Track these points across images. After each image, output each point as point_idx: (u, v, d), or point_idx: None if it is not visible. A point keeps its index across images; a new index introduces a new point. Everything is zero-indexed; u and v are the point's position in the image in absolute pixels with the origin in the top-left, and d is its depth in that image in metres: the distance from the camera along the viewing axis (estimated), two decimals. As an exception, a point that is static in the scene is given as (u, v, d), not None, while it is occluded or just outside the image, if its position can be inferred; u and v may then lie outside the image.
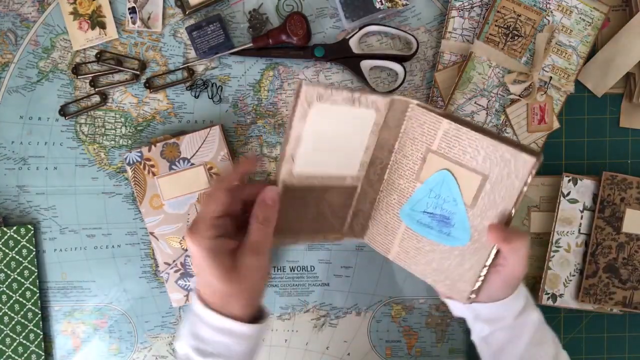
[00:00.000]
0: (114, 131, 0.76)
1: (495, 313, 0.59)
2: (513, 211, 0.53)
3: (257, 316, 0.53)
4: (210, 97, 0.76)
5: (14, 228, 0.75)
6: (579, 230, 0.74)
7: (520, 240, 0.53)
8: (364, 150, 0.58)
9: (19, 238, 0.75)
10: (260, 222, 0.51)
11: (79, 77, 0.75)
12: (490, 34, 0.71)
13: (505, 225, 0.54)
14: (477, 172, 0.54)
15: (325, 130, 0.53)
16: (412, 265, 0.60)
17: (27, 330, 0.76)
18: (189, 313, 0.53)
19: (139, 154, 0.74)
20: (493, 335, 0.60)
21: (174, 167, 0.74)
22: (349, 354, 0.79)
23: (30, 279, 0.76)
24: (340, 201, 0.59)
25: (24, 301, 0.76)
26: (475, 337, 0.63)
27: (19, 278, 0.75)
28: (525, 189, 0.52)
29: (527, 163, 0.51)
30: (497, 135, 0.54)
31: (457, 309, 0.63)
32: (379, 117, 0.57)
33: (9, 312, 0.75)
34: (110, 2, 0.74)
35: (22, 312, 0.76)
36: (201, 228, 0.49)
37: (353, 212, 0.60)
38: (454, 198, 0.56)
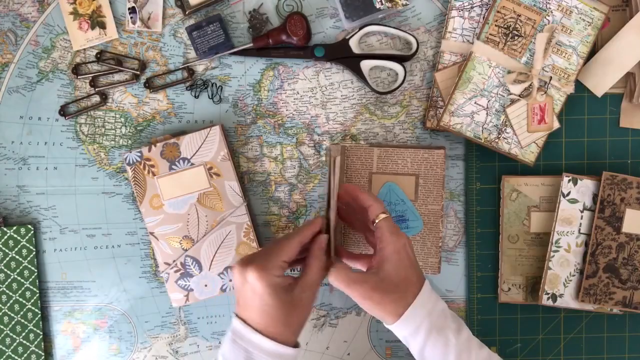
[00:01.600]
0: (114, 131, 0.76)
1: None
2: (443, 192, 0.74)
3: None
4: (210, 97, 0.76)
5: (14, 228, 0.75)
6: (579, 230, 0.74)
7: (339, 286, 0.59)
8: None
9: (19, 238, 0.75)
10: (317, 260, 0.58)
11: (79, 77, 0.75)
12: (490, 34, 0.71)
13: (384, 217, 0.61)
14: (410, 174, 0.74)
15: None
16: None
17: (27, 330, 0.76)
18: (240, 343, 0.56)
19: (139, 154, 0.74)
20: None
21: (174, 167, 0.74)
22: (349, 354, 0.79)
23: (30, 279, 0.76)
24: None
25: (24, 301, 0.76)
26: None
27: (19, 278, 0.75)
28: (444, 172, 0.74)
29: (440, 155, 0.74)
30: (412, 145, 0.76)
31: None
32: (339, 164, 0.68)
33: (9, 312, 0.75)
34: (110, 2, 0.74)
35: (22, 312, 0.76)
36: (271, 267, 0.56)
37: (333, 246, 0.63)
38: (402, 199, 0.75)
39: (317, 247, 0.59)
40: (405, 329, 0.58)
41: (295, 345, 0.58)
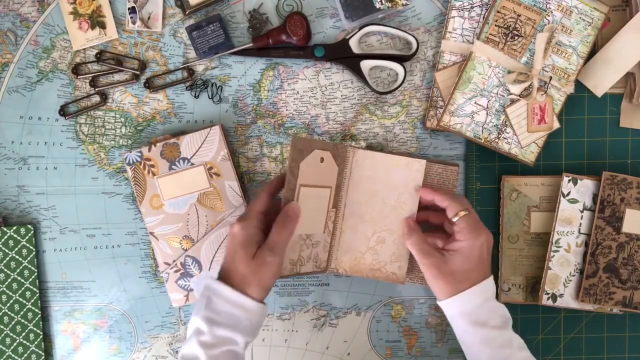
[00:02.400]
0: (114, 131, 0.76)
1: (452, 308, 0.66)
2: None
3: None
4: (210, 97, 0.76)
5: (14, 228, 0.75)
6: (579, 230, 0.74)
7: (404, 234, 0.71)
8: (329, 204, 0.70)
9: (19, 238, 0.75)
10: (280, 227, 0.62)
11: (79, 77, 0.75)
12: (490, 34, 0.71)
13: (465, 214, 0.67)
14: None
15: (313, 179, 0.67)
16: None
17: (27, 330, 0.76)
18: (205, 292, 0.62)
19: (139, 154, 0.74)
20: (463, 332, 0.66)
21: (174, 167, 0.74)
22: (349, 354, 0.79)
23: (30, 279, 0.76)
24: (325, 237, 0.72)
25: (24, 301, 0.76)
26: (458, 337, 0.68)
27: (19, 278, 0.75)
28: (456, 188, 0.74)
29: (453, 171, 0.74)
30: (429, 159, 0.73)
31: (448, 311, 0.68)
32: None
33: (9, 312, 0.75)
34: (110, 2, 0.74)
35: (22, 312, 0.76)
36: (250, 217, 0.64)
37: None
38: None
39: (283, 212, 0.63)
40: (448, 310, 0.65)
41: (260, 302, 0.62)
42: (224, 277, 0.62)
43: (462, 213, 0.65)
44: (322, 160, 0.66)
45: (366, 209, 0.72)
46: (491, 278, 0.66)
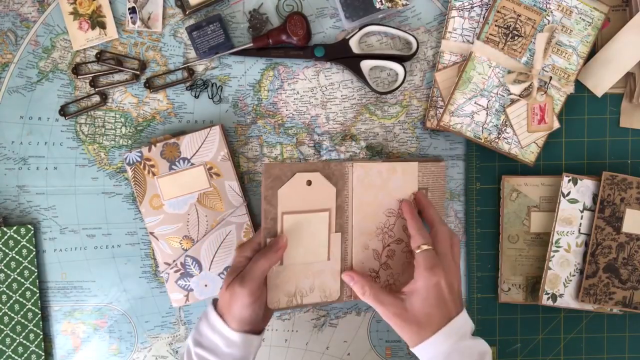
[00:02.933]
0: (114, 131, 0.76)
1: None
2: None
3: (252, 333, 0.63)
4: (210, 97, 0.76)
5: (14, 228, 0.75)
6: (579, 230, 0.74)
7: (356, 291, 0.66)
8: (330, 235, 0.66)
9: (19, 238, 0.75)
10: (258, 258, 0.61)
11: (79, 77, 0.75)
12: (490, 34, 0.71)
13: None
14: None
15: (297, 205, 0.63)
16: None
17: (27, 330, 0.76)
18: (203, 313, 0.64)
19: (139, 154, 0.74)
20: None
21: (174, 167, 0.74)
22: (349, 354, 0.79)
23: (30, 279, 0.76)
24: (325, 267, 0.66)
25: (24, 301, 0.76)
26: None
27: (19, 278, 0.75)
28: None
29: (441, 167, 0.72)
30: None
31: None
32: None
33: (9, 312, 0.75)
34: (110, 2, 0.74)
35: (22, 312, 0.76)
36: (244, 245, 0.65)
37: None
38: None
39: (266, 246, 0.62)
40: (421, 357, 0.61)
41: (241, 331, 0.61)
42: (217, 305, 0.63)
43: (424, 247, 0.61)
44: (309, 183, 0.63)
45: (373, 224, 0.68)
46: (462, 314, 0.61)
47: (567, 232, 0.74)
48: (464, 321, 0.61)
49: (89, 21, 0.74)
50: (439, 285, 0.60)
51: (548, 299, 0.75)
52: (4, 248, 0.75)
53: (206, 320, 0.63)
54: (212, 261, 0.75)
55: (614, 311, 0.76)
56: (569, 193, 0.74)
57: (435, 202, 0.71)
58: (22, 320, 0.76)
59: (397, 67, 0.74)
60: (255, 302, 0.61)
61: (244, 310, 0.60)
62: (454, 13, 0.73)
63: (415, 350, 0.60)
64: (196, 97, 0.76)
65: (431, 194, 0.71)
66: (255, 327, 0.63)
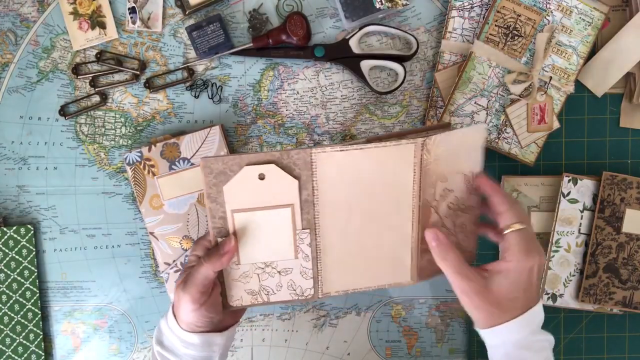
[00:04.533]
0: (114, 131, 0.76)
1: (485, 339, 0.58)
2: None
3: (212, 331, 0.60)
4: (210, 97, 0.76)
5: (14, 228, 0.75)
6: (579, 230, 0.74)
7: (435, 255, 0.58)
8: (294, 232, 0.59)
9: (19, 238, 0.75)
10: (203, 261, 0.57)
11: (79, 77, 0.75)
12: (490, 34, 0.71)
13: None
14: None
15: (247, 202, 0.57)
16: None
17: (27, 330, 0.76)
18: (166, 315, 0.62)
19: (139, 154, 0.74)
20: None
21: (174, 167, 0.74)
22: (349, 354, 0.79)
23: (30, 279, 0.76)
24: (290, 263, 0.61)
25: (24, 301, 0.76)
26: None
27: (19, 278, 0.75)
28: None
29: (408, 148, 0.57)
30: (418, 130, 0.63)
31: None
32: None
33: (9, 312, 0.75)
34: (110, 2, 0.74)
35: (22, 312, 0.76)
36: (194, 246, 0.63)
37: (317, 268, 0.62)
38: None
39: (211, 249, 0.59)
40: (488, 339, 0.57)
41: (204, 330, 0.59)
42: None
43: (517, 226, 0.56)
44: (262, 176, 0.56)
45: (354, 217, 0.60)
46: (539, 305, 0.57)
47: (567, 232, 0.74)
48: (540, 311, 0.57)
49: (89, 21, 0.74)
50: (532, 270, 0.55)
51: (548, 299, 0.75)
52: (4, 248, 0.75)
53: (165, 319, 0.61)
54: (212, 261, 0.75)
55: (614, 311, 0.76)
56: (569, 193, 0.74)
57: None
58: (22, 320, 0.76)
59: (397, 67, 0.74)
60: (200, 307, 0.57)
61: (189, 315, 0.58)
62: (454, 13, 0.73)
63: (485, 332, 0.56)
64: (196, 97, 0.76)
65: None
66: (211, 328, 0.60)
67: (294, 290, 0.61)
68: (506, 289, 0.55)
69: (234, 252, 0.58)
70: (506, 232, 0.56)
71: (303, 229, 0.59)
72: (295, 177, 0.56)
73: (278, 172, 0.56)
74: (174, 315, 0.60)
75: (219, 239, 0.58)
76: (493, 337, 0.56)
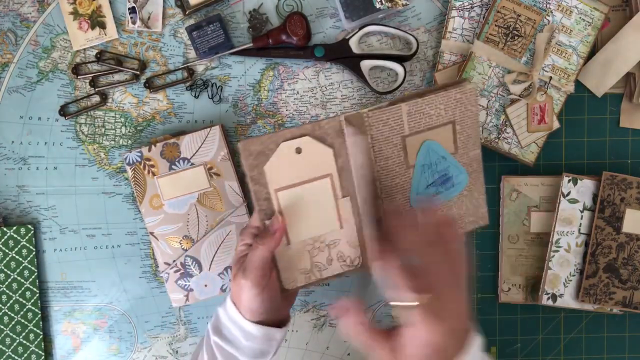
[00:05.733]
0: (114, 131, 0.76)
1: None
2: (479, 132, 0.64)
3: (269, 323, 0.60)
4: (210, 97, 0.76)
5: (14, 228, 0.75)
6: (579, 230, 0.74)
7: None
8: (338, 201, 0.60)
9: (19, 238, 0.75)
10: (255, 245, 0.57)
11: (79, 77, 0.75)
12: (490, 34, 0.71)
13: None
14: (446, 123, 0.61)
15: (288, 177, 0.58)
16: None
17: (27, 330, 0.76)
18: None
19: (139, 154, 0.74)
20: None
21: (174, 167, 0.74)
22: (349, 354, 0.79)
23: (30, 279, 0.76)
24: (339, 237, 0.61)
25: (24, 301, 0.76)
26: None
27: (19, 278, 0.75)
28: (477, 110, 0.63)
29: (472, 90, 0.62)
30: (438, 88, 0.61)
31: None
32: (340, 149, 0.58)
33: (9, 312, 0.75)
34: (110, 2, 0.74)
35: (22, 312, 0.76)
36: (243, 232, 0.62)
37: (363, 239, 0.61)
38: (442, 156, 0.62)
39: (261, 233, 0.59)
40: None
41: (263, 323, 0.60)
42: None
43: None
44: (299, 150, 0.57)
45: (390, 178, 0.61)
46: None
47: (567, 232, 0.74)
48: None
49: (89, 21, 0.74)
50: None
51: (548, 299, 0.75)
52: (4, 248, 0.75)
53: (224, 309, 0.61)
54: (212, 261, 0.75)
55: (614, 311, 0.76)
56: (569, 193, 0.74)
57: (467, 135, 0.62)
58: (22, 320, 0.76)
59: (397, 67, 0.74)
60: (263, 291, 0.58)
61: (253, 302, 0.58)
62: (454, 13, 0.73)
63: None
64: (196, 97, 0.76)
65: (460, 126, 0.62)
66: (272, 316, 0.60)
67: (344, 261, 0.61)
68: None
69: (284, 230, 0.58)
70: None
71: (343, 196, 0.60)
72: (328, 146, 0.58)
73: (313, 144, 0.57)
74: (235, 305, 0.60)
75: (267, 222, 0.58)
76: None
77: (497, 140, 0.73)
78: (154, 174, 0.74)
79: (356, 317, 0.51)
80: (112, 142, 0.76)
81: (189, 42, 0.75)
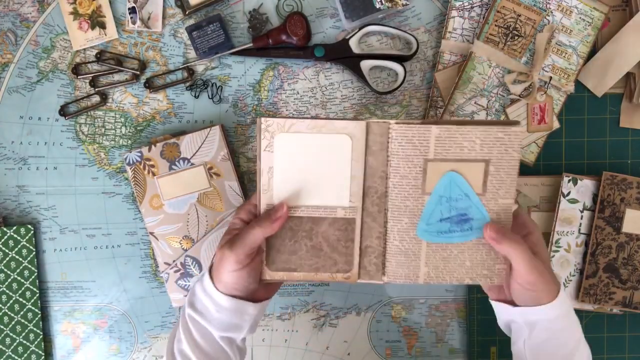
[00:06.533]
0: (114, 131, 0.76)
1: (531, 316, 0.58)
2: (516, 182, 0.58)
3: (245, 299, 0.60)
4: (210, 97, 0.76)
5: (14, 228, 0.75)
6: (579, 230, 0.74)
7: (511, 246, 0.55)
8: (350, 179, 0.58)
9: (19, 238, 0.75)
10: (254, 222, 0.58)
11: (79, 77, 0.75)
12: (490, 34, 0.71)
13: (515, 207, 0.59)
14: (479, 160, 0.57)
15: (298, 159, 0.57)
16: (446, 277, 0.60)
17: (27, 330, 0.76)
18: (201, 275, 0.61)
19: (139, 154, 0.74)
20: (531, 338, 0.59)
21: (174, 167, 0.74)
22: (349, 354, 0.79)
23: (30, 279, 0.76)
24: (337, 235, 0.59)
25: (24, 301, 0.76)
26: (516, 345, 0.61)
27: (19, 278, 0.75)
28: (520, 156, 0.57)
29: (517, 133, 0.56)
30: (482, 122, 0.57)
31: (503, 313, 0.61)
32: (357, 143, 0.57)
33: (9, 312, 0.75)
34: (110, 2, 0.74)
35: (22, 312, 0.76)
36: (242, 206, 0.62)
37: (360, 249, 0.60)
38: (465, 193, 0.58)
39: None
40: (558, 309, 0.57)
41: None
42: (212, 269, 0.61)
43: (516, 204, 0.59)
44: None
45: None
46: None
47: (567, 232, 0.74)
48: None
49: (89, 21, 0.74)
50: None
51: (548, 299, 0.75)
52: (4, 248, 0.75)
53: (200, 282, 0.60)
54: (212, 261, 0.75)
55: (614, 311, 0.76)
56: (569, 193, 0.74)
57: (501, 179, 0.57)
58: (22, 320, 0.76)
59: (397, 67, 0.74)
60: (242, 269, 0.57)
61: (230, 275, 0.57)
62: (454, 13, 0.73)
63: (556, 302, 0.56)
64: (196, 97, 0.76)
65: (494, 167, 0.57)
66: (246, 295, 0.59)
67: (337, 272, 0.61)
68: (546, 256, 0.58)
69: (285, 219, 0.58)
70: (513, 209, 0.58)
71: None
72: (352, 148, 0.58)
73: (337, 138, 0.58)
74: (211, 278, 0.59)
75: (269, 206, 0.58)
76: (554, 309, 0.57)
77: (497, 140, 0.73)
78: (154, 174, 0.74)
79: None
80: (112, 142, 0.76)
81: (189, 42, 0.75)
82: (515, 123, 0.56)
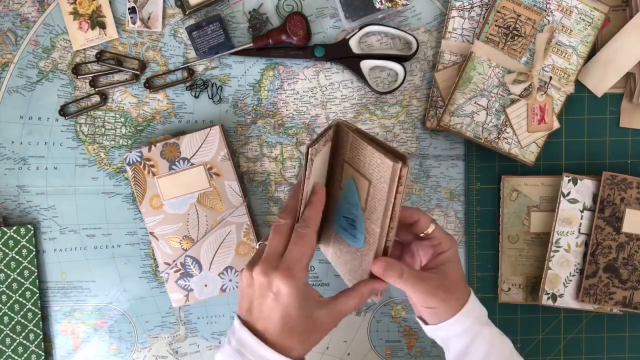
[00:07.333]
0: (114, 131, 0.76)
1: (439, 332, 0.61)
2: (388, 218, 0.54)
3: None
4: (210, 97, 0.76)
5: (14, 228, 0.75)
6: (579, 230, 0.74)
7: (395, 281, 0.57)
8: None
9: (19, 238, 0.75)
10: (359, 298, 0.59)
11: (79, 77, 0.75)
12: (490, 34, 0.71)
13: (433, 228, 0.61)
14: (366, 177, 0.55)
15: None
16: (338, 266, 0.66)
17: (27, 330, 0.76)
18: (248, 356, 0.52)
19: (139, 154, 0.74)
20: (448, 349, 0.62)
21: (174, 167, 0.74)
22: (349, 354, 0.79)
23: (30, 279, 0.76)
24: None
25: (24, 301, 0.76)
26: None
27: (19, 278, 0.75)
28: (393, 194, 0.52)
29: (389, 167, 0.51)
30: (380, 142, 0.54)
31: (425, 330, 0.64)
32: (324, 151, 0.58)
33: (9, 312, 0.75)
34: (110, 2, 0.74)
35: (22, 312, 0.76)
36: (297, 270, 0.52)
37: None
38: (356, 202, 0.58)
39: (364, 284, 0.58)
40: (453, 329, 0.59)
41: None
42: (270, 337, 0.53)
43: (434, 225, 0.61)
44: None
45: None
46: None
47: (567, 232, 0.74)
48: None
49: (89, 21, 0.74)
50: (457, 251, 0.62)
51: (548, 299, 0.75)
52: (4, 248, 0.75)
53: (254, 355, 0.51)
54: (212, 261, 0.75)
55: (614, 311, 0.76)
56: (569, 193, 0.74)
57: (374, 205, 0.56)
58: (22, 320, 0.76)
59: (397, 67, 0.74)
60: (307, 300, 0.52)
61: (295, 318, 0.51)
62: (454, 13, 0.73)
63: (449, 322, 0.59)
64: (196, 97, 0.76)
65: (373, 190, 0.55)
66: (306, 345, 0.55)
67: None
68: (458, 273, 0.61)
69: (324, 197, 0.57)
70: (430, 230, 0.61)
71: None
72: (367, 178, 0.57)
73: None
74: (251, 332, 0.52)
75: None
76: (459, 324, 0.59)
77: (497, 140, 0.73)
78: (154, 174, 0.74)
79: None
80: (112, 142, 0.76)
81: (189, 42, 0.75)
82: (400, 158, 0.51)
